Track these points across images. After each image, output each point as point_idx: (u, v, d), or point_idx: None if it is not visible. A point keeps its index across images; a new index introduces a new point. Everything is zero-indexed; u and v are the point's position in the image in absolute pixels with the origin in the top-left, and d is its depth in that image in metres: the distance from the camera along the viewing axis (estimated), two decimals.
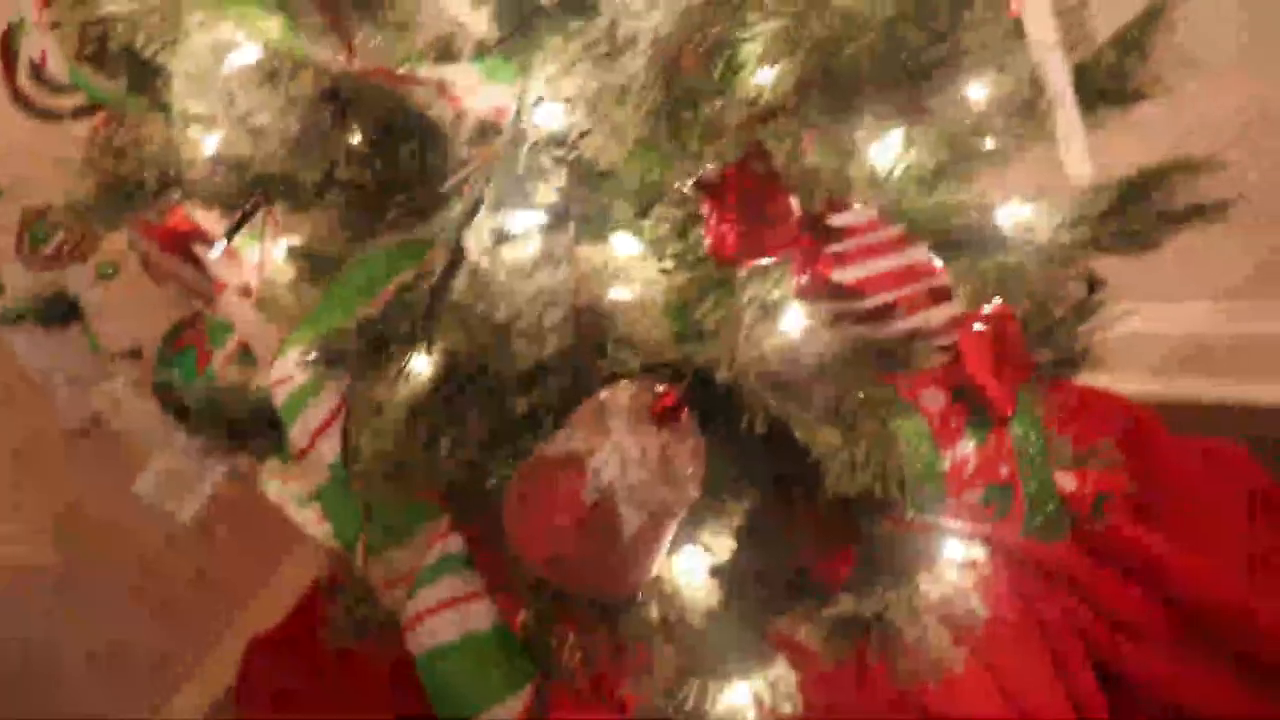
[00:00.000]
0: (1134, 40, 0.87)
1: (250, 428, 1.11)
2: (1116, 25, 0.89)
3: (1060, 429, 0.88)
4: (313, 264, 1.11)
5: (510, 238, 0.83)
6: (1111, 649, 1.11)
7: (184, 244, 1.03)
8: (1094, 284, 1.04)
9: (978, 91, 0.81)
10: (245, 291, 1.09)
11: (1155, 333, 1.73)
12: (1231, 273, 1.70)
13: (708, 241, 0.73)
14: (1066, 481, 0.84)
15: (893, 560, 0.84)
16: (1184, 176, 0.84)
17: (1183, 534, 1.19)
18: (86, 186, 0.87)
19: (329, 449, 0.90)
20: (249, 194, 0.84)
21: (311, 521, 1.00)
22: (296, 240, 1.12)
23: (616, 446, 0.74)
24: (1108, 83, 0.87)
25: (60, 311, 1.34)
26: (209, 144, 0.76)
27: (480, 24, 0.77)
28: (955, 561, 0.86)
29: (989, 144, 0.89)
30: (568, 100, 0.72)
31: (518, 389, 0.82)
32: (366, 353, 0.84)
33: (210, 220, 1.03)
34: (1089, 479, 0.85)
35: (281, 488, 1.02)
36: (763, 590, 0.90)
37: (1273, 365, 1.70)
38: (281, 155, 0.74)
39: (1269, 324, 1.70)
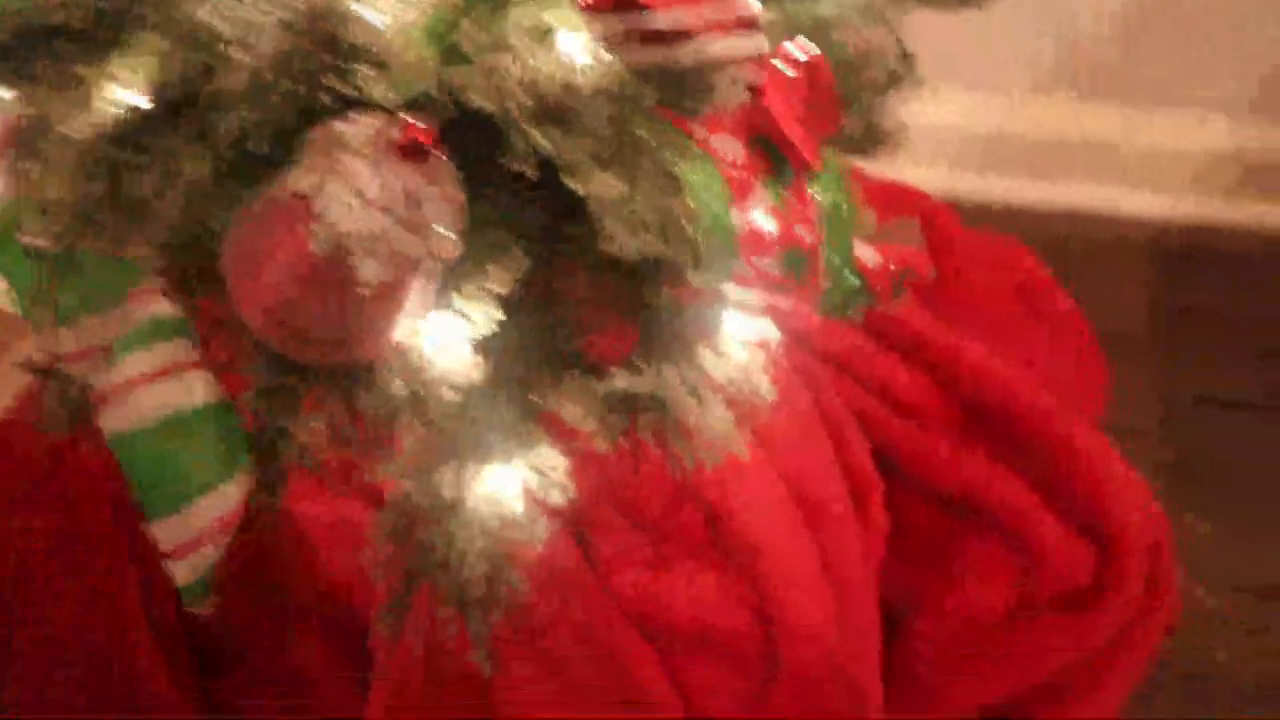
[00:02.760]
0: None
1: None
2: None
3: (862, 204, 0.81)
4: None
5: None
6: (888, 433, 1.10)
7: None
8: (904, 55, 0.97)
9: None
10: None
11: (945, 124, 1.68)
12: (1035, 66, 1.67)
13: None
14: (868, 255, 0.77)
15: (674, 333, 0.75)
16: None
17: (965, 324, 1.17)
18: None
19: None
20: None
21: None
22: None
23: (351, 184, 0.61)
24: None
25: None
26: None
27: None
28: (743, 338, 0.78)
29: None
30: None
31: (236, 115, 0.66)
32: (39, 58, 0.67)
33: None
34: (891, 254, 0.78)
35: None
36: (530, 366, 0.80)
37: (1063, 166, 1.71)
38: None
39: (1066, 123, 1.69)
